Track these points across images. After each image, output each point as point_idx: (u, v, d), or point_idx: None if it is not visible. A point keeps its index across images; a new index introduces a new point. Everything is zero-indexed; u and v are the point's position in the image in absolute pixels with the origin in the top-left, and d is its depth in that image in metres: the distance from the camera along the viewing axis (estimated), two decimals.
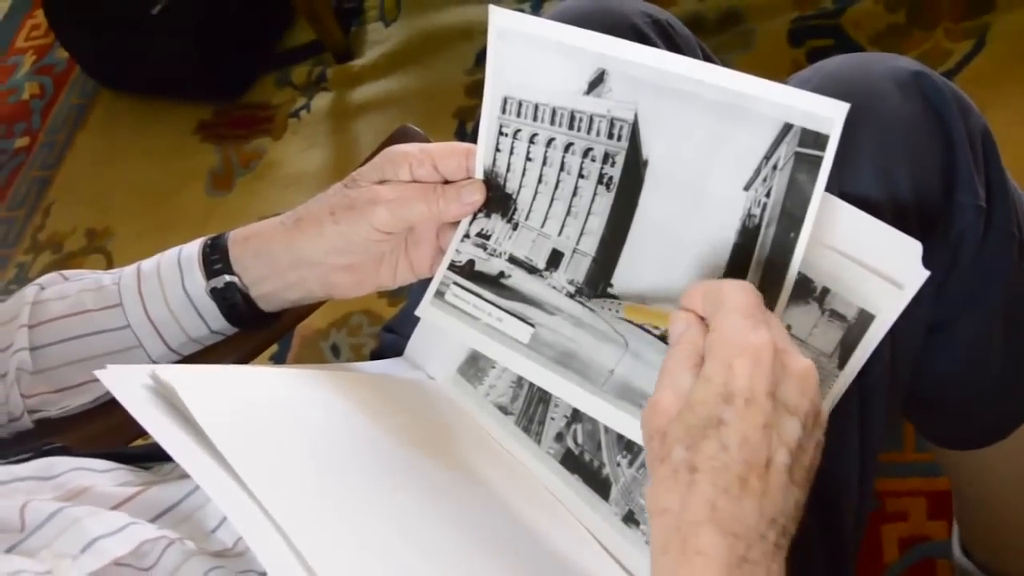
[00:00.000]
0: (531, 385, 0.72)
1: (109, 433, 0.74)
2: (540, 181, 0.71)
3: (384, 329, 0.89)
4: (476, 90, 1.81)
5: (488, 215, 0.73)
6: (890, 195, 0.68)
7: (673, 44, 0.83)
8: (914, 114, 0.70)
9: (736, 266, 0.63)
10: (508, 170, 0.72)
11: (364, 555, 0.58)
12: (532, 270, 0.71)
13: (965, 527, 1.09)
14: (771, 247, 0.62)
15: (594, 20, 0.78)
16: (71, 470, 0.62)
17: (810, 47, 1.64)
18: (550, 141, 0.70)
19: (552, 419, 0.71)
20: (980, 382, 0.83)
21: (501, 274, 0.72)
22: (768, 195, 0.62)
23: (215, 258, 0.75)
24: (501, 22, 0.70)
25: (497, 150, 0.72)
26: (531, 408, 0.72)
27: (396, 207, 0.70)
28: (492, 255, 0.72)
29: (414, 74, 1.93)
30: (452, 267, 0.74)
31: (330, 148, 1.91)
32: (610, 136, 0.67)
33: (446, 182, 0.72)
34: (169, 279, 0.75)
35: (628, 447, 0.68)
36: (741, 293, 0.56)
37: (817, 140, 0.59)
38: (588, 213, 0.69)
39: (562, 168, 0.70)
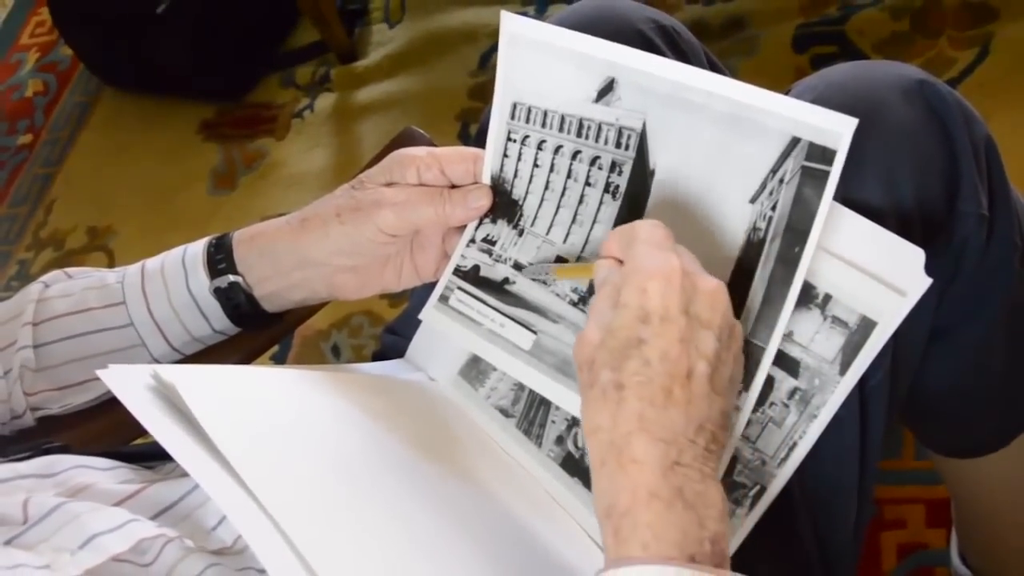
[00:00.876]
0: None
1: (110, 431, 0.74)
2: (547, 188, 0.71)
3: (386, 330, 0.89)
4: (479, 93, 1.81)
5: (494, 221, 0.73)
6: (893, 202, 0.68)
7: (678, 50, 0.83)
8: (918, 122, 0.70)
9: (739, 279, 0.63)
10: (515, 176, 0.72)
11: (363, 554, 0.58)
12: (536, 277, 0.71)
13: (964, 535, 1.09)
14: (775, 261, 0.62)
15: (599, 26, 0.78)
16: (73, 468, 0.62)
17: (814, 54, 1.64)
18: (558, 148, 0.70)
19: (553, 422, 0.71)
20: (980, 391, 0.83)
21: (506, 280, 0.72)
22: (774, 209, 0.62)
23: (219, 257, 0.75)
24: (513, 28, 0.70)
25: (505, 155, 0.72)
26: (532, 411, 0.72)
27: (402, 210, 0.70)
28: (497, 261, 0.72)
29: (418, 76, 1.93)
30: (457, 272, 0.74)
31: (333, 149, 1.91)
32: (618, 145, 0.67)
33: (453, 186, 0.72)
34: (173, 278, 0.75)
35: None
36: (650, 227, 0.60)
37: (824, 154, 0.59)
38: (594, 221, 0.69)
39: (569, 175, 0.70)
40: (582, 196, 0.69)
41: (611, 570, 0.53)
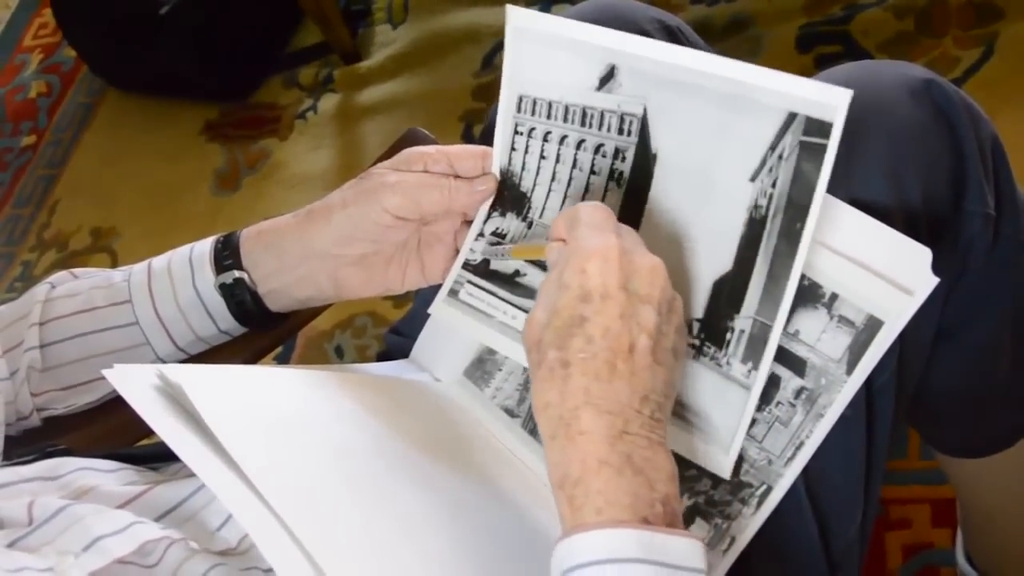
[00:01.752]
0: None
1: (115, 432, 0.74)
2: (553, 179, 0.71)
3: (390, 331, 0.89)
4: (483, 93, 1.81)
5: (503, 214, 0.73)
6: (900, 202, 0.68)
7: None
8: (924, 121, 0.69)
9: (743, 257, 0.63)
10: (523, 168, 0.72)
11: (370, 552, 0.59)
12: (547, 268, 0.71)
13: (969, 535, 1.09)
14: (778, 238, 0.62)
15: (604, 25, 0.78)
16: (77, 470, 0.62)
17: (818, 53, 1.64)
18: (563, 138, 0.70)
19: None
20: (987, 390, 0.83)
21: (516, 272, 0.72)
22: (774, 185, 0.62)
23: (226, 254, 0.75)
24: (518, 21, 0.70)
25: (512, 149, 0.72)
26: None
27: (407, 188, 0.71)
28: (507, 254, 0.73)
29: (421, 76, 1.93)
30: (466, 266, 0.74)
31: (336, 149, 1.91)
32: (620, 131, 0.68)
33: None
34: (180, 277, 0.76)
35: None
36: (591, 209, 0.62)
37: (821, 128, 0.59)
38: None
39: (574, 165, 0.70)
40: (588, 185, 0.70)
41: (567, 538, 0.54)
